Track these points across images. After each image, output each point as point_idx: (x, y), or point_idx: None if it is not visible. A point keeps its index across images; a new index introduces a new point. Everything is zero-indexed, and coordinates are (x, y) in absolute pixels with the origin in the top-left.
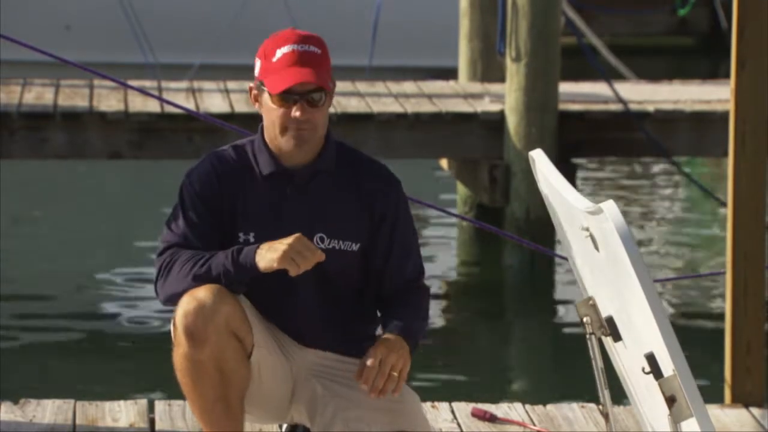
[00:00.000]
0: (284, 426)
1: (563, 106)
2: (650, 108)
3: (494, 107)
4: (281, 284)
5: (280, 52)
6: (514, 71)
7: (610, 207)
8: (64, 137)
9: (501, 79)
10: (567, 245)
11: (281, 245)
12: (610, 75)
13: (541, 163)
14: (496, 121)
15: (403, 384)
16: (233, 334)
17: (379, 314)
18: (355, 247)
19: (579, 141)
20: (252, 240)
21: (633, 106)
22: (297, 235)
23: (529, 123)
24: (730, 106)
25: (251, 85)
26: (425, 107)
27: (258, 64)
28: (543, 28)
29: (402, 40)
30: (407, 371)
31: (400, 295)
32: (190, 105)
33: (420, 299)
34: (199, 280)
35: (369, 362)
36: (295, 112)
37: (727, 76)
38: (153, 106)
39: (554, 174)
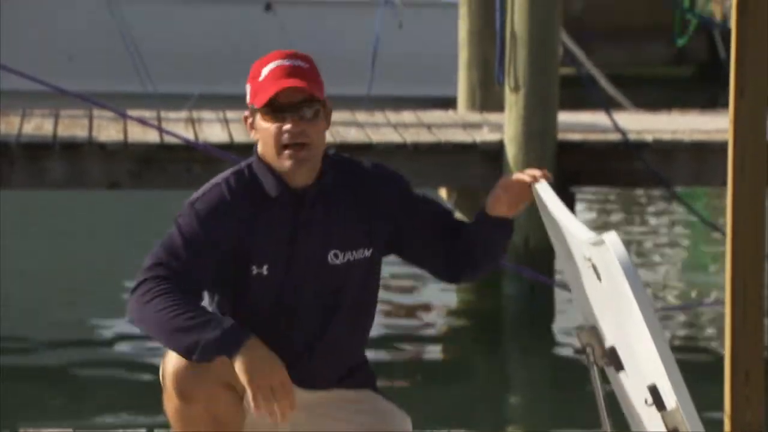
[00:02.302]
0: None
1: (562, 136)
2: (649, 138)
3: (493, 137)
4: (283, 318)
5: (266, 70)
6: (513, 101)
7: (612, 238)
8: (63, 167)
9: (500, 108)
10: (569, 274)
11: (260, 377)
12: (608, 105)
13: (543, 192)
14: (495, 150)
15: (394, 409)
16: (225, 385)
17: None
18: (367, 252)
19: (578, 170)
20: (265, 273)
21: (632, 136)
22: (281, 376)
23: (528, 152)
24: (729, 134)
25: (246, 114)
26: (424, 137)
27: (248, 89)
28: (542, 57)
29: (401, 69)
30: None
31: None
32: (190, 135)
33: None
34: (174, 341)
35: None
36: (287, 125)
37: (725, 106)
38: (152, 136)
39: (556, 203)
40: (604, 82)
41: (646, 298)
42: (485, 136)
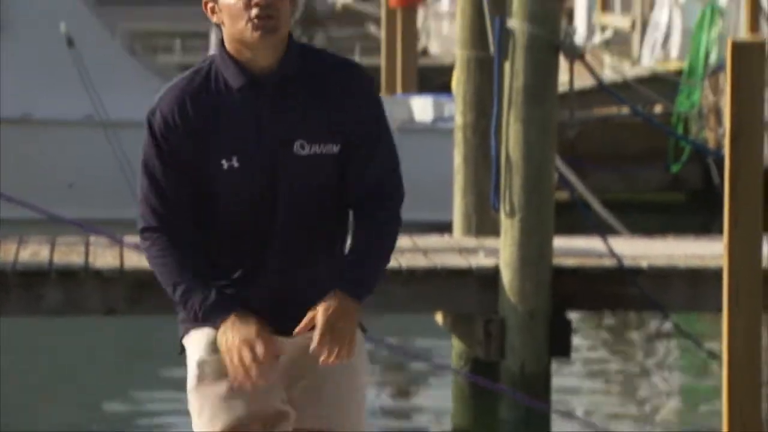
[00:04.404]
0: None
1: (557, 261)
2: (644, 263)
3: (489, 262)
4: (257, 231)
5: None
6: (509, 226)
7: None
8: (59, 294)
9: (495, 233)
10: None
11: (235, 345)
12: (603, 230)
13: None
14: (491, 275)
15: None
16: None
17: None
18: (335, 149)
19: (573, 295)
20: (236, 165)
21: (627, 262)
22: (255, 334)
23: (523, 277)
24: (724, 263)
25: (205, 0)
26: (420, 262)
27: None
28: (537, 183)
29: None
30: (354, 337)
31: (367, 214)
32: None
33: (387, 227)
34: (175, 302)
35: (317, 338)
36: None
37: (720, 231)
38: None
39: None
40: (598, 207)
41: None
42: (481, 260)
